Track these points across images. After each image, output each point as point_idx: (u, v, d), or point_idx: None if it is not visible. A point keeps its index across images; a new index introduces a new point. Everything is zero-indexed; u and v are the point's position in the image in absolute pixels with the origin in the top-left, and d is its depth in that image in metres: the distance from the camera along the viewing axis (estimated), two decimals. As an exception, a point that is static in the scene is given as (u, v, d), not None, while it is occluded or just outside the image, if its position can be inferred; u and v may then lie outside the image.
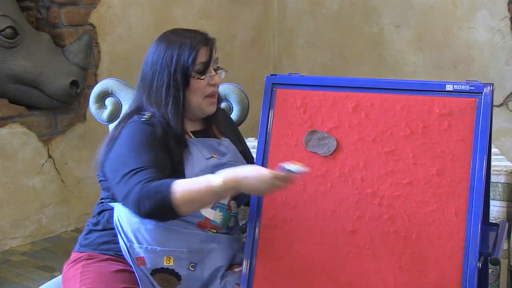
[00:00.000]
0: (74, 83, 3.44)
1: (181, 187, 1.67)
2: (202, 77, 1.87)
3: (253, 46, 4.83)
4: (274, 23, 4.97)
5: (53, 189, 3.69)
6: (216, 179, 1.67)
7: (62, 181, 3.72)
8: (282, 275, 1.80)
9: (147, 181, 1.70)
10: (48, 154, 3.65)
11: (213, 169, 1.84)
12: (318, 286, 1.77)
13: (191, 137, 1.93)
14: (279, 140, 1.86)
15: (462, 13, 4.16)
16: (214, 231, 1.88)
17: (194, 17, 4.35)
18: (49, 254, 3.48)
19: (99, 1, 3.77)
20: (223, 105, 2.34)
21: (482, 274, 1.82)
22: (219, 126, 2.04)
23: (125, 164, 1.77)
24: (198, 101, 1.90)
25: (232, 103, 2.29)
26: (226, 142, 2.00)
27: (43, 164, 3.62)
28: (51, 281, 2.06)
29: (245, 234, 1.84)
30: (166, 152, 1.83)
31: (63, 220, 3.76)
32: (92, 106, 2.28)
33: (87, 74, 3.60)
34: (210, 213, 1.87)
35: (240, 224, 2.03)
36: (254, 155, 1.90)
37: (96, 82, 2.61)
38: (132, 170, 1.74)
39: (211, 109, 1.94)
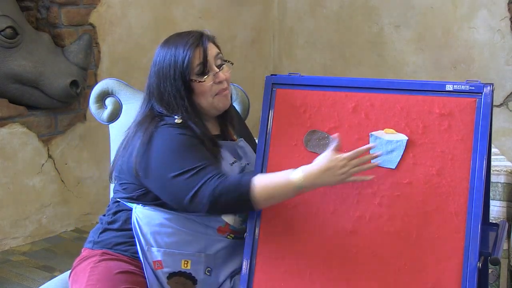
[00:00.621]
0: (74, 83, 3.44)
1: (261, 183, 1.68)
2: (203, 79, 1.84)
3: (253, 46, 4.83)
4: (274, 23, 4.97)
5: (53, 189, 3.69)
6: (296, 175, 1.68)
7: (62, 181, 3.72)
8: (282, 275, 1.80)
9: (219, 177, 1.70)
10: (48, 154, 3.65)
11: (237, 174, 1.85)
12: (318, 286, 1.77)
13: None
14: (279, 140, 1.86)
15: (462, 13, 4.16)
16: (232, 236, 1.88)
17: (194, 17, 4.35)
18: (49, 254, 3.48)
19: (99, 1, 3.77)
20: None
21: (482, 274, 1.82)
22: (233, 125, 2.01)
23: (181, 164, 1.74)
24: (209, 101, 1.86)
25: (232, 103, 2.29)
26: (241, 143, 1.98)
27: (43, 164, 3.62)
28: (51, 281, 2.05)
29: (245, 234, 1.85)
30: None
31: (63, 220, 3.76)
32: (92, 106, 2.28)
33: (87, 74, 3.60)
34: (230, 219, 1.87)
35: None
36: (254, 155, 1.90)
37: (96, 82, 2.61)
38: (193, 168, 1.72)
39: (225, 104, 1.89)
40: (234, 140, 1.98)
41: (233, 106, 2.14)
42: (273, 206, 1.81)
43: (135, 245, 1.85)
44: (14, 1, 3.45)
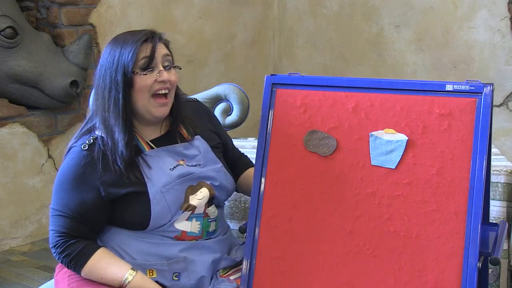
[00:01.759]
0: (74, 83, 3.44)
1: (90, 270, 1.77)
2: (145, 72, 1.75)
3: (253, 46, 4.83)
4: (274, 23, 4.97)
5: (53, 189, 3.69)
6: (128, 275, 1.75)
7: (62, 181, 3.72)
8: (282, 275, 1.79)
9: (59, 237, 1.77)
10: (48, 154, 3.65)
11: (179, 179, 1.80)
12: (318, 286, 1.77)
13: (152, 147, 1.83)
14: (279, 140, 1.86)
15: (462, 13, 4.16)
16: (194, 240, 1.85)
17: (194, 17, 4.35)
18: (49, 254, 3.45)
19: (99, 1, 3.77)
20: (223, 105, 2.34)
21: (482, 274, 1.82)
22: (187, 124, 1.91)
23: (54, 196, 1.80)
24: (144, 100, 1.76)
25: (232, 103, 2.29)
26: (196, 142, 1.90)
27: (43, 164, 3.63)
28: (51, 281, 2.05)
29: (245, 234, 1.84)
30: (97, 190, 1.76)
31: (63, 220, 3.75)
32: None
33: (87, 74, 3.60)
34: (186, 225, 1.83)
35: (240, 224, 2.03)
36: (254, 155, 1.90)
37: (96, 82, 2.60)
38: (56, 210, 1.79)
39: (161, 112, 1.79)
40: (186, 140, 1.89)
41: (197, 100, 2.05)
42: (273, 206, 1.81)
43: None
44: (14, 1, 3.45)
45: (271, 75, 1.93)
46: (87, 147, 1.77)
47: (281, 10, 4.92)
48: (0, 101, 3.40)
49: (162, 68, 1.78)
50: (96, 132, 1.80)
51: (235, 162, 2.05)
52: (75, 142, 1.83)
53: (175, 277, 1.82)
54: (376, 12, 4.48)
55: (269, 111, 1.88)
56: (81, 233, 1.78)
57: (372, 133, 1.77)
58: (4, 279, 3.18)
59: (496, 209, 2.42)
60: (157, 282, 1.80)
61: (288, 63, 4.94)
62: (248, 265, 1.81)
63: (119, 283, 1.75)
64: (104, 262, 1.76)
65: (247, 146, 2.50)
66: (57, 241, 1.78)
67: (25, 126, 3.52)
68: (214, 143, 1.97)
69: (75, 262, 1.77)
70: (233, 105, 2.29)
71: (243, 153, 2.12)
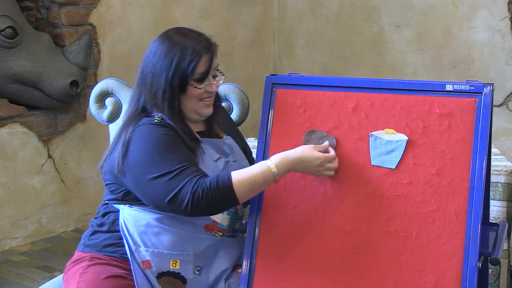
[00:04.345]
0: (74, 83, 3.44)
1: (238, 177, 1.70)
2: (200, 86, 1.85)
3: (253, 46, 4.83)
4: (274, 23, 4.97)
5: (53, 189, 3.69)
6: (271, 163, 1.71)
7: (62, 181, 3.72)
8: (282, 275, 1.80)
9: (199, 178, 1.70)
10: (48, 154, 3.65)
11: (221, 171, 1.85)
12: (318, 286, 1.77)
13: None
14: (279, 140, 1.86)
15: (462, 13, 4.16)
16: (221, 234, 1.89)
17: (194, 17, 4.35)
18: (49, 254, 3.48)
19: (99, 1, 3.77)
20: (223, 105, 2.34)
21: (482, 274, 1.82)
22: (220, 124, 2.02)
23: (160, 165, 1.73)
24: (193, 104, 1.87)
25: (232, 103, 2.29)
26: (228, 141, 1.98)
27: (43, 164, 3.62)
28: (51, 281, 2.06)
29: (245, 234, 1.84)
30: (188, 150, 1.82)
31: (63, 220, 3.76)
32: (92, 106, 2.28)
33: (87, 74, 3.60)
34: (218, 216, 1.87)
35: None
36: (254, 155, 1.90)
37: (96, 82, 2.61)
38: (173, 170, 1.72)
39: (207, 111, 1.91)
40: (220, 138, 1.98)
41: (222, 107, 2.15)
42: (273, 206, 1.81)
43: (123, 246, 1.85)
44: (14, 1, 3.45)
45: (271, 75, 1.93)
46: (160, 122, 1.82)
47: (281, 10, 4.92)
48: (0, 101, 3.40)
49: (212, 80, 1.87)
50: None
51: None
52: (136, 124, 1.82)
53: (196, 271, 1.84)
54: (376, 12, 4.48)
55: (269, 111, 1.88)
56: (205, 174, 1.75)
57: (372, 133, 1.77)
58: (4, 279, 3.18)
59: (496, 209, 2.43)
60: (178, 273, 1.82)
61: (288, 63, 4.94)
62: (248, 265, 1.81)
63: (269, 173, 1.72)
64: (243, 171, 1.75)
65: (250, 149, 2.51)
66: (196, 184, 1.70)
67: (25, 126, 3.52)
68: (240, 146, 2.04)
69: (222, 180, 1.70)
70: (233, 105, 2.29)
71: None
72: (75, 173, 3.78)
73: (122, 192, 1.87)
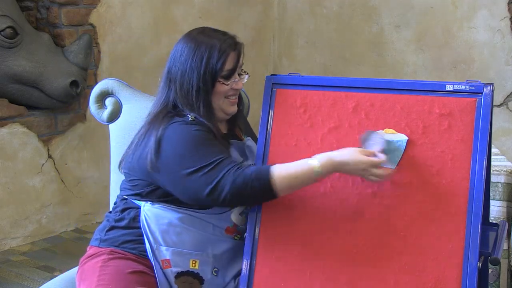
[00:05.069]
0: (74, 83, 3.44)
1: (280, 172, 1.70)
2: (227, 83, 1.86)
3: (253, 46, 4.83)
4: (274, 23, 4.97)
5: (53, 189, 3.69)
6: (315, 163, 1.69)
7: (62, 181, 3.72)
8: (282, 275, 1.80)
9: (238, 169, 1.71)
10: (48, 154, 3.65)
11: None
12: (318, 286, 1.77)
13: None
14: (279, 140, 1.86)
15: (462, 13, 4.16)
16: (239, 236, 1.90)
17: (194, 17, 4.35)
18: (49, 254, 3.48)
19: (99, 1, 3.77)
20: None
21: (482, 274, 1.82)
22: (241, 126, 2.03)
23: (197, 159, 1.74)
24: (219, 102, 1.88)
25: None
26: (249, 142, 1.99)
27: (43, 164, 3.62)
28: (51, 281, 2.05)
29: (245, 234, 1.85)
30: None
31: (63, 220, 3.76)
32: (92, 106, 2.28)
33: (87, 74, 3.60)
34: (238, 219, 1.89)
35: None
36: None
37: (96, 82, 2.61)
38: (210, 163, 1.73)
39: (233, 109, 1.92)
40: (241, 140, 1.99)
41: (240, 109, 2.14)
42: (273, 206, 1.81)
43: (144, 243, 1.85)
44: (14, 1, 3.45)
45: (271, 75, 1.93)
46: (194, 120, 1.83)
47: (281, 10, 4.92)
48: (0, 101, 3.40)
49: (238, 77, 1.89)
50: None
51: None
52: (168, 123, 1.82)
53: (214, 272, 1.86)
54: (376, 12, 4.48)
55: (269, 111, 1.88)
56: (243, 165, 1.76)
57: (372, 132, 1.76)
58: (4, 279, 3.18)
59: (496, 209, 2.43)
60: (197, 273, 1.83)
61: (288, 63, 4.94)
62: (248, 265, 1.81)
63: (311, 171, 1.70)
64: (284, 165, 1.73)
65: (247, 146, 2.51)
66: (236, 175, 1.70)
67: (25, 126, 3.52)
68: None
69: (262, 172, 1.71)
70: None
71: None
72: (75, 173, 3.78)
73: (149, 189, 1.86)
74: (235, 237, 1.89)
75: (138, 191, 1.88)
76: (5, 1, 3.33)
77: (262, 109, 1.89)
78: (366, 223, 1.75)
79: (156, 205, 1.85)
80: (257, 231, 1.82)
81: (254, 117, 2.27)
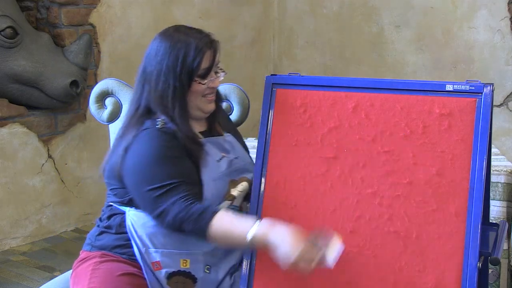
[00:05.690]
0: (74, 83, 3.44)
1: (219, 225, 1.67)
2: (204, 82, 1.85)
3: (253, 46, 4.83)
4: (274, 23, 4.97)
5: (53, 189, 3.69)
6: (252, 234, 1.64)
7: (62, 181, 3.72)
8: (282, 275, 1.79)
9: (186, 201, 1.70)
10: (48, 154, 3.65)
11: (226, 171, 1.86)
12: (318, 286, 1.76)
13: (200, 138, 1.91)
14: (279, 140, 1.86)
15: (462, 13, 4.16)
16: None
17: (194, 17, 4.35)
18: (49, 254, 3.48)
19: (99, 1, 3.77)
20: (223, 105, 2.34)
21: (482, 274, 1.82)
22: (221, 122, 2.02)
23: (153, 178, 1.74)
24: (196, 101, 1.86)
25: (232, 103, 2.29)
26: (229, 138, 1.99)
27: (43, 164, 3.62)
28: (51, 281, 2.06)
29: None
30: (188, 159, 1.81)
31: (63, 220, 3.76)
32: (92, 106, 2.28)
33: (87, 74, 3.60)
34: None
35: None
36: (254, 155, 1.90)
37: (96, 82, 2.61)
38: (163, 186, 1.72)
39: (210, 107, 1.91)
40: (221, 135, 1.98)
41: (219, 105, 2.13)
42: (273, 206, 1.81)
43: (132, 247, 1.85)
44: (14, 1, 3.45)
45: (271, 75, 1.93)
46: (163, 127, 1.81)
47: (281, 10, 4.92)
48: (0, 101, 3.40)
49: (214, 76, 1.87)
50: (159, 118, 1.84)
51: None
52: (140, 127, 1.82)
53: (206, 269, 1.85)
54: (376, 12, 4.48)
55: (269, 111, 1.88)
56: (196, 195, 1.75)
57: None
58: (4, 279, 3.18)
59: (496, 209, 2.43)
60: (189, 272, 1.83)
61: (288, 63, 4.94)
62: (248, 265, 1.81)
63: (244, 235, 1.66)
64: (227, 217, 1.71)
65: (247, 146, 2.50)
66: (180, 208, 1.70)
67: (25, 126, 3.52)
68: (240, 142, 2.04)
69: (203, 217, 1.68)
70: (233, 105, 2.29)
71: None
72: (75, 173, 3.78)
73: (128, 197, 1.86)
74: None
75: (120, 199, 1.89)
76: (5, 1, 3.33)
77: (262, 109, 1.89)
78: (366, 223, 1.75)
79: (141, 210, 1.84)
80: (257, 231, 1.82)
81: (254, 117, 2.27)
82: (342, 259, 1.75)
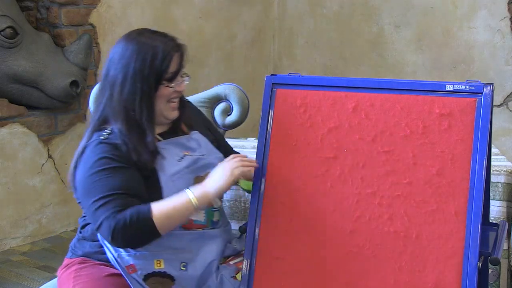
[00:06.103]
0: (74, 83, 3.44)
1: (160, 211, 1.69)
2: (172, 85, 1.83)
3: (253, 46, 4.83)
4: (274, 23, 4.97)
5: (53, 189, 3.69)
6: (190, 196, 1.72)
7: (62, 181, 3.72)
8: (282, 275, 1.80)
9: (116, 212, 1.68)
10: (48, 154, 3.65)
11: (187, 169, 1.86)
12: (318, 286, 1.77)
13: (160, 140, 1.89)
14: (279, 140, 1.86)
15: (462, 13, 4.16)
16: (200, 229, 1.88)
17: (194, 17, 4.36)
18: (49, 254, 3.48)
19: (99, 1, 3.77)
20: (223, 105, 2.34)
21: (482, 274, 1.82)
22: (186, 120, 1.99)
23: (91, 191, 1.74)
24: (161, 106, 1.85)
25: (232, 103, 2.29)
26: (195, 135, 1.97)
27: (43, 164, 3.62)
28: (51, 281, 2.06)
29: (245, 234, 1.84)
30: (132, 166, 1.78)
31: (63, 220, 3.76)
32: (92, 106, 2.28)
33: (87, 74, 3.60)
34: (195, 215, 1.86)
35: (240, 224, 2.03)
36: (254, 155, 1.90)
37: (96, 82, 2.61)
38: (99, 199, 1.72)
39: (173, 115, 1.90)
40: (186, 134, 1.96)
41: (188, 102, 2.11)
42: (273, 206, 1.81)
43: (105, 253, 1.86)
44: (14, 1, 3.45)
45: (271, 75, 1.93)
46: (106, 139, 1.80)
47: (281, 10, 4.92)
48: (0, 101, 3.40)
49: (180, 80, 1.87)
50: (108, 126, 1.83)
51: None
52: (89, 140, 1.83)
53: (182, 267, 1.84)
54: (376, 12, 4.48)
55: (269, 111, 1.88)
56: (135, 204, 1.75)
57: None
58: (4, 279, 3.18)
59: (496, 209, 2.42)
60: (164, 272, 1.82)
61: (288, 63, 4.94)
62: (248, 265, 1.81)
63: (189, 204, 1.73)
64: (161, 202, 1.73)
65: (247, 146, 2.50)
66: (114, 223, 1.69)
67: (25, 126, 3.52)
68: (210, 138, 2.03)
69: (142, 213, 1.69)
70: (233, 105, 2.29)
71: (233, 150, 2.15)
72: (75, 173, 3.78)
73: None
74: (195, 230, 1.87)
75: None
76: (5, 1, 3.33)
77: (262, 109, 1.89)
78: (366, 223, 1.75)
79: None
80: (257, 231, 1.82)
81: (254, 117, 2.28)
82: (342, 259, 1.75)
